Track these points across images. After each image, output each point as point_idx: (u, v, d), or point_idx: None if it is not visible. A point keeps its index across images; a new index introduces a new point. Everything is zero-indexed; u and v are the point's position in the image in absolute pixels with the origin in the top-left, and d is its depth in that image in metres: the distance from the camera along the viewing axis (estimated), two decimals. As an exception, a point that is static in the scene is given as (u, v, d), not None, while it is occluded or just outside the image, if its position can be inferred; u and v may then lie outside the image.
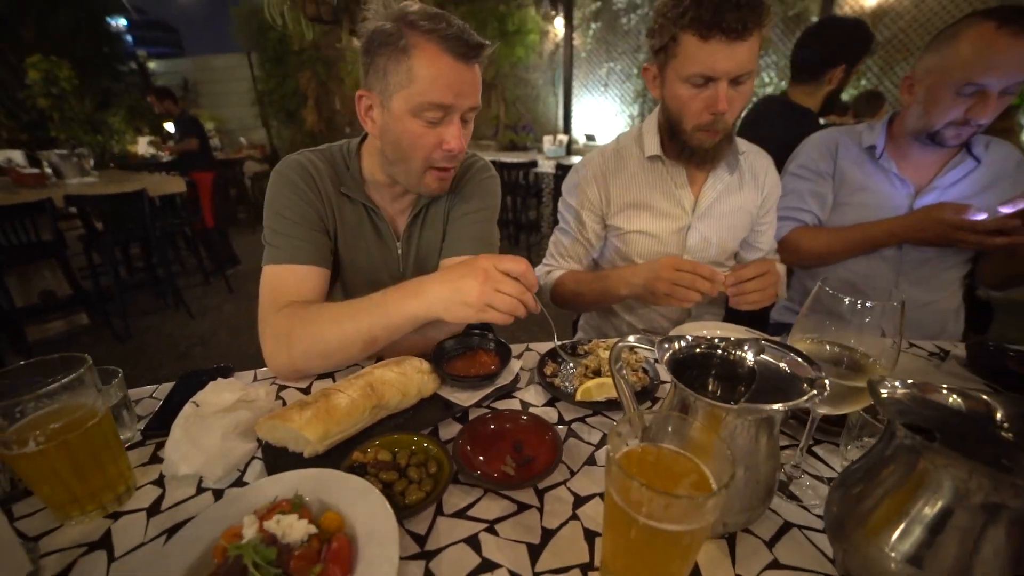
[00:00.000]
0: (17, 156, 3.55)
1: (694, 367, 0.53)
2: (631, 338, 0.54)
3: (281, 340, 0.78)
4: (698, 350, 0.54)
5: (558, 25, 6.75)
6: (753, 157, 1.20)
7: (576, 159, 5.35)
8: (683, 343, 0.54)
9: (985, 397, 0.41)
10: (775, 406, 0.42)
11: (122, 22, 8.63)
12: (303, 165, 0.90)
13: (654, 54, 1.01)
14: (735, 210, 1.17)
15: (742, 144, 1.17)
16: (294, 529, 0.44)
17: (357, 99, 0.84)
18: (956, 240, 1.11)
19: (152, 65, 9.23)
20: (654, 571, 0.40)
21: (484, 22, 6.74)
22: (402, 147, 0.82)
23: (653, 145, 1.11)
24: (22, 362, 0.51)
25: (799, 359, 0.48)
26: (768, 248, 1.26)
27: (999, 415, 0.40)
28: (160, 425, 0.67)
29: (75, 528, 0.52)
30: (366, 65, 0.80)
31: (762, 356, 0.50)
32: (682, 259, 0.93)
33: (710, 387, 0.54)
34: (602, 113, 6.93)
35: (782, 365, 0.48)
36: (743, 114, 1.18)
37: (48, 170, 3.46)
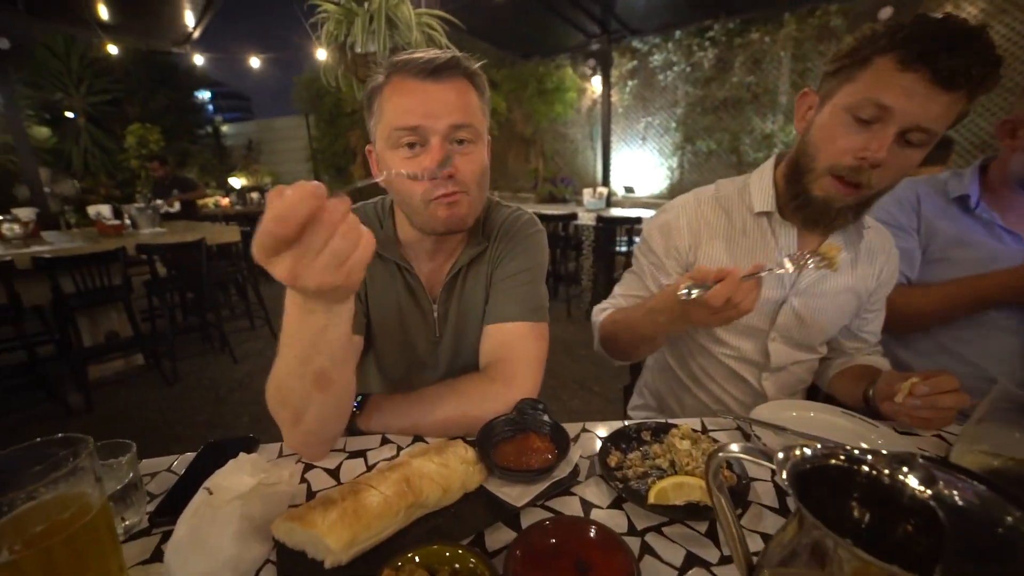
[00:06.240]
0: (105, 210, 3.95)
1: (824, 487, 0.40)
2: (734, 447, 0.42)
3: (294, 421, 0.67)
4: (832, 461, 0.41)
5: (595, 83, 7.00)
6: (876, 234, 1.01)
7: (616, 211, 5.27)
8: (807, 452, 0.41)
9: None
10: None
11: (207, 95, 9.89)
12: None
13: (825, 77, 0.85)
14: (842, 291, 0.97)
15: (868, 219, 0.98)
16: None
17: (367, 154, 0.83)
18: None
19: (224, 128, 10.34)
20: None
21: (524, 82, 7.11)
22: (394, 187, 0.79)
23: (764, 200, 0.95)
24: (27, 443, 0.45)
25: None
26: (874, 340, 1.08)
27: None
28: (171, 509, 0.60)
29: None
30: (367, 121, 0.81)
31: (942, 487, 0.36)
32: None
33: (859, 524, 0.40)
34: (641, 166, 6.99)
35: (988, 507, 0.34)
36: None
37: (127, 221, 3.77)
